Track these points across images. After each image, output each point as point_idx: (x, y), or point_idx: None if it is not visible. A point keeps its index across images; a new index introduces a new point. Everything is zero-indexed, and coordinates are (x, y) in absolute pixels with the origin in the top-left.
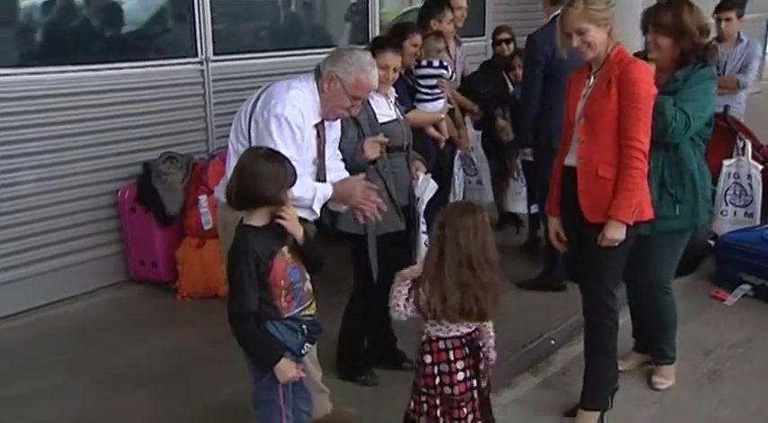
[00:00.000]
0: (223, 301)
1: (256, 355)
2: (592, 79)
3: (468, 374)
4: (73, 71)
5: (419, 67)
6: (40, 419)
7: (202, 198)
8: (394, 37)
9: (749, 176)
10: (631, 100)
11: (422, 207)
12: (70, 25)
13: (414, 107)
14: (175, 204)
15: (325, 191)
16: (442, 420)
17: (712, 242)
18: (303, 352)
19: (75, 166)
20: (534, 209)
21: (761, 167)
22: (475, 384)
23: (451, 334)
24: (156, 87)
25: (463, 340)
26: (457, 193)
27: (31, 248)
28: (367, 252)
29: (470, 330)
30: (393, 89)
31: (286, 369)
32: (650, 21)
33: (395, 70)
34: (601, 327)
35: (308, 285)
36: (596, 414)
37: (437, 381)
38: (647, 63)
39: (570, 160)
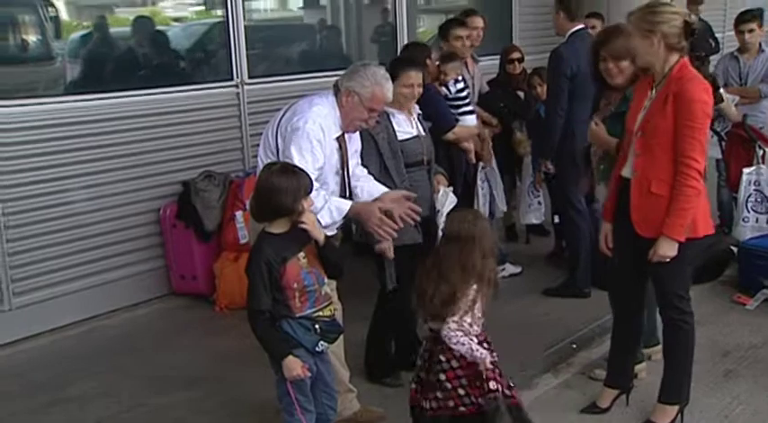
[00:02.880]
0: None
1: (267, 350)
2: (654, 92)
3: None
4: (118, 97)
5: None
6: (95, 417)
7: (239, 213)
8: (412, 55)
9: None
10: (687, 118)
11: (441, 219)
12: (115, 55)
13: (457, 120)
14: (213, 220)
15: (341, 206)
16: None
17: (735, 249)
18: (318, 349)
19: (120, 186)
20: (557, 219)
21: None
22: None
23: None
24: (195, 110)
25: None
26: (480, 205)
27: (81, 264)
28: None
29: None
30: (417, 106)
31: (291, 366)
32: (607, 52)
33: (418, 86)
34: (675, 328)
35: (326, 289)
36: (675, 408)
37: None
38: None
39: (626, 172)
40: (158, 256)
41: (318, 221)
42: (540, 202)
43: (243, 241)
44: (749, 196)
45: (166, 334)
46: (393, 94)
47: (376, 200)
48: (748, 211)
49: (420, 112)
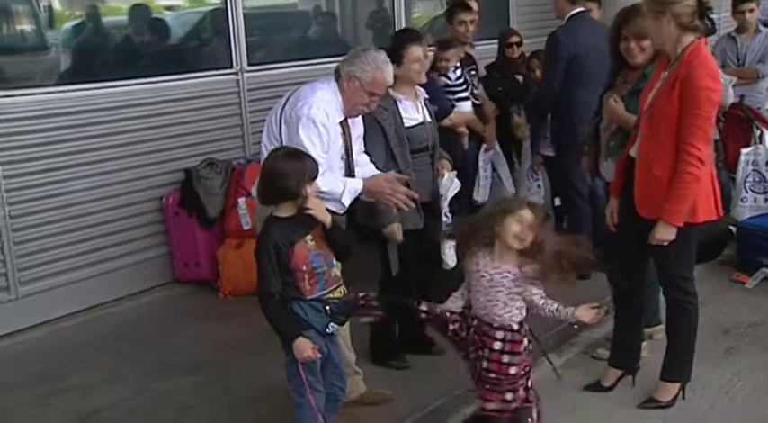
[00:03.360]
0: None
1: (278, 331)
2: (666, 73)
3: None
4: (118, 86)
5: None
6: (99, 404)
7: (241, 200)
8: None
9: (767, 164)
10: (691, 105)
11: (444, 203)
12: (115, 44)
13: (453, 106)
14: (216, 207)
15: (355, 185)
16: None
17: (733, 228)
18: (328, 331)
19: (122, 175)
20: (557, 202)
21: None
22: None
23: None
24: (195, 98)
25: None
26: (481, 187)
27: (84, 252)
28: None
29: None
30: (423, 90)
31: (302, 347)
32: (628, 31)
33: (426, 57)
34: (679, 308)
35: (335, 271)
36: (677, 385)
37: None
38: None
39: (633, 151)
40: (161, 244)
41: (342, 204)
42: (539, 186)
43: (246, 228)
44: (747, 176)
45: (170, 321)
46: (403, 77)
47: (376, 176)
48: (746, 192)
49: (427, 96)
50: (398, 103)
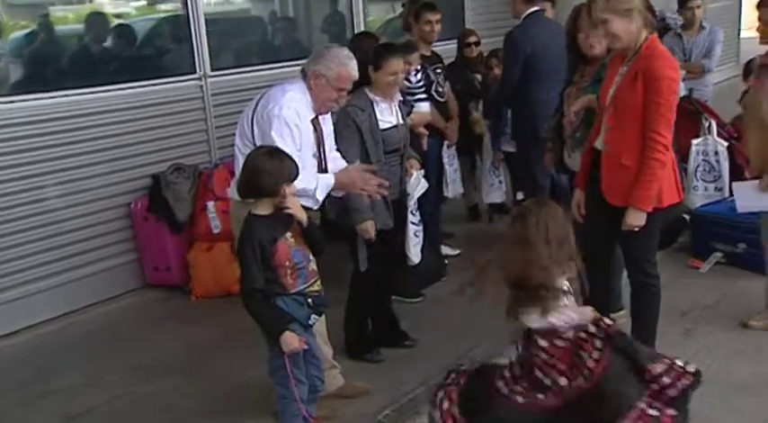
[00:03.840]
0: (235, 299)
1: (264, 327)
2: (625, 67)
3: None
4: (84, 94)
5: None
6: (87, 405)
7: (210, 204)
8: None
9: (716, 153)
10: (654, 94)
11: (410, 202)
12: (80, 51)
13: (412, 107)
14: (185, 211)
15: (327, 181)
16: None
17: (687, 216)
18: (310, 322)
19: (90, 182)
20: (520, 196)
21: (726, 144)
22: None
23: None
24: (160, 104)
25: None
26: (450, 182)
27: (54, 260)
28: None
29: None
30: (398, 93)
31: (290, 340)
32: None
33: (402, 73)
34: (644, 292)
35: (313, 266)
36: None
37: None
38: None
39: (598, 144)
40: (130, 250)
41: (317, 200)
42: (500, 181)
43: (216, 231)
44: (698, 166)
45: (144, 325)
46: (377, 83)
47: (346, 169)
48: (698, 181)
49: (401, 99)
50: (375, 105)
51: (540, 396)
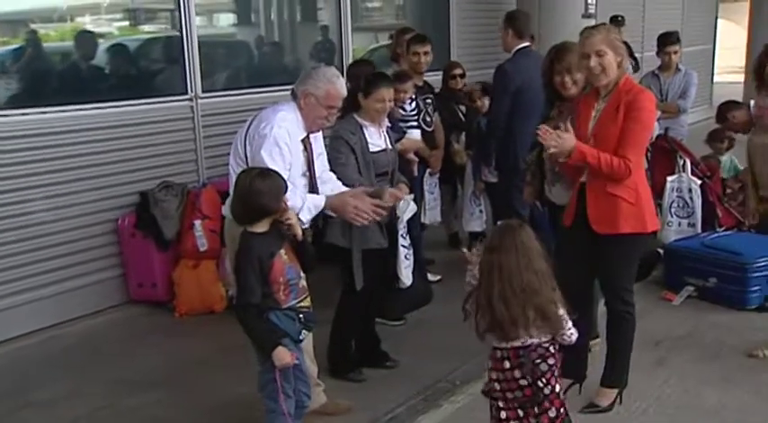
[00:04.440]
0: (219, 317)
1: (257, 341)
2: (601, 103)
3: (529, 381)
4: (75, 110)
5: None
6: (71, 416)
7: (197, 222)
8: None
9: (690, 190)
10: (633, 123)
11: (400, 225)
12: (73, 69)
13: (404, 133)
14: (172, 229)
15: (316, 202)
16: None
17: (661, 251)
18: (301, 338)
19: (77, 197)
20: None
21: (699, 182)
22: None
23: (508, 345)
24: (151, 123)
25: (520, 352)
26: (428, 209)
27: (39, 273)
28: (352, 264)
29: (524, 344)
30: (386, 119)
31: (282, 355)
32: (562, 66)
33: (390, 101)
34: (620, 319)
35: (303, 282)
36: (615, 391)
37: (497, 387)
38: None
39: (583, 178)
40: (115, 266)
41: (300, 220)
42: (481, 211)
43: (202, 249)
44: (672, 202)
45: (127, 340)
46: (366, 109)
47: (341, 193)
48: (672, 216)
49: (389, 124)
50: (363, 129)
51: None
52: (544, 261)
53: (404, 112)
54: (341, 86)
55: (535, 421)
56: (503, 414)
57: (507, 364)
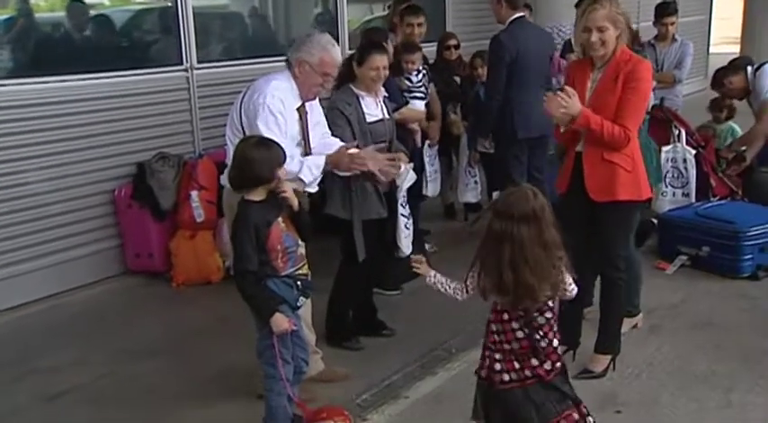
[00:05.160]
0: (216, 287)
1: (255, 308)
2: (597, 73)
3: (526, 332)
4: (72, 80)
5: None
6: (71, 384)
7: (194, 193)
8: (374, 40)
9: (685, 161)
10: (632, 93)
11: (399, 194)
12: (69, 38)
13: (407, 103)
14: (169, 200)
15: (316, 161)
16: (505, 374)
17: (655, 220)
18: (298, 304)
19: (74, 168)
20: (496, 196)
21: (694, 152)
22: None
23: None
24: (147, 94)
25: (520, 312)
26: (429, 181)
27: (37, 243)
28: (353, 234)
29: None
30: (383, 89)
31: (280, 321)
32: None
33: (384, 68)
34: (614, 285)
35: (301, 250)
36: (609, 357)
37: (496, 338)
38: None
39: (579, 146)
40: (112, 236)
41: (302, 181)
42: (476, 182)
43: (199, 220)
44: (667, 172)
45: (126, 310)
46: (361, 78)
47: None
48: (666, 186)
49: (386, 94)
50: (360, 99)
51: (535, 361)
52: (555, 229)
53: (410, 84)
54: (335, 53)
55: (531, 373)
56: (497, 366)
57: (506, 316)
